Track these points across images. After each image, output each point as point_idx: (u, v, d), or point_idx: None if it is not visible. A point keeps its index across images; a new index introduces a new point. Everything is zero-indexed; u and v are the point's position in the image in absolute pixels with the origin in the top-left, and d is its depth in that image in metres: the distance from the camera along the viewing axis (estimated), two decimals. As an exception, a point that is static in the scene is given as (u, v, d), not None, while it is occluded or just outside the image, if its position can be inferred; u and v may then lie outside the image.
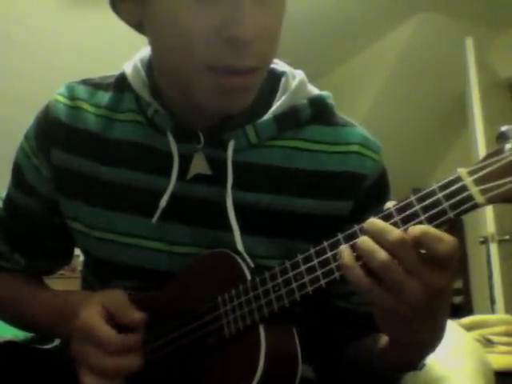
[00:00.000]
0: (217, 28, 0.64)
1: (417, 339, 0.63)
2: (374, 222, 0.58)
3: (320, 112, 0.79)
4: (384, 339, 0.70)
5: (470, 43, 2.95)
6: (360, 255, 0.58)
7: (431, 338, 0.65)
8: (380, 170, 0.80)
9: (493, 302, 2.75)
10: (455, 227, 3.52)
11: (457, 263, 0.57)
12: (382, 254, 0.56)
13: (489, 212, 2.66)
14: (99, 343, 0.71)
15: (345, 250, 0.60)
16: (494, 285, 2.69)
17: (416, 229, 0.56)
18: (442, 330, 0.65)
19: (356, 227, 0.62)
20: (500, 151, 0.56)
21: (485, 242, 2.69)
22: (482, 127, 2.76)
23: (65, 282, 1.45)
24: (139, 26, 0.74)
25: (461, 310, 3.56)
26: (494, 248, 2.65)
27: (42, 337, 0.92)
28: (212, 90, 0.68)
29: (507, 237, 2.71)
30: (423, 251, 0.56)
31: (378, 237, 0.57)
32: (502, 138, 0.57)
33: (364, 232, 0.59)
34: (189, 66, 0.67)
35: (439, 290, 0.57)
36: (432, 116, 3.90)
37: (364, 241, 0.58)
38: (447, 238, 0.55)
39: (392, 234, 0.56)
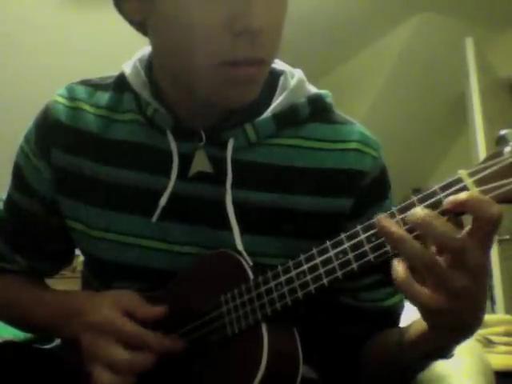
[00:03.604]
0: (227, 22, 0.64)
1: (461, 323, 0.61)
2: (418, 211, 0.55)
3: (319, 110, 0.80)
4: (414, 329, 0.68)
5: (470, 43, 2.96)
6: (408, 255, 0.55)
7: (474, 318, 0.62)
8: (379, 167, 0.80)
9: (493, 302, 2.75)
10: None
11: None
12: (428, 253, 0.54)
13: (489, 212, 2.66)
14: (121, 336, 0.71)
15: (398, 265, 0.56)
16: (494, 285, 2.69)
17: (462, 195, 0.55)
18: (483, 308, 0.61)
19: (358, 227, 0.62)
20: (500, 154, 0.57)
21: (485, 241, 2.68)
22: (482, 127, 2.77)
23: (65, 282, 1.45)
24: (141, 25, 0.73)
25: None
26: (494, 248, 2.65)
27: (42, 337, 0.92)
28: (221, 83, 0.68)
29: (507, 237, 2.71)
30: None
31: (423, 228, 0.54)
32: (501, 141, 0.58)
33: (407, 222, 0.56)
34: (197, 62, 0.67)
35: (481, 268, 0.56)
36: (432, 116, 3.90)
37: (412, 246, 0.54)
38: (491, 203, 0.54)
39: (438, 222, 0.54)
